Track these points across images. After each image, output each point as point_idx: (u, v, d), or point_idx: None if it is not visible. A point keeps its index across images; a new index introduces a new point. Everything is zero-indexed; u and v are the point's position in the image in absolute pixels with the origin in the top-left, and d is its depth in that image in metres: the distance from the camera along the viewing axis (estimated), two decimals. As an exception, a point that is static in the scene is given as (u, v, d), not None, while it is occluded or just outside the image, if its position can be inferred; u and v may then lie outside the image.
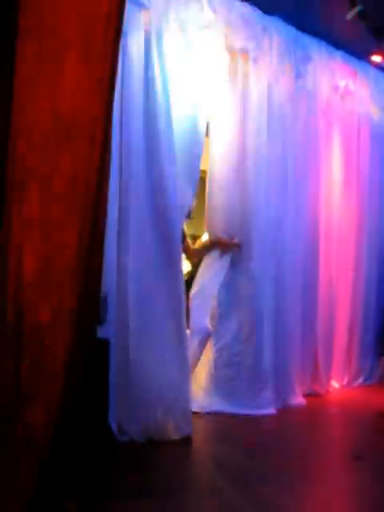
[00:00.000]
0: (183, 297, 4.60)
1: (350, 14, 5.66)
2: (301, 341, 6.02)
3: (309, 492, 3.67)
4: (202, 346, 5.28)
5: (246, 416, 5.13)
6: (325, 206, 6.40)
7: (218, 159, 5.30)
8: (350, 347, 6.76)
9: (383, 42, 6.29)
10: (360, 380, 6.86)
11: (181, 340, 4.54)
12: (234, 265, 5.45)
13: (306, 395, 5.94)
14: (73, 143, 3.13)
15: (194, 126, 4.97)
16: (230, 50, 5.31)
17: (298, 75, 6.05)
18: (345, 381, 6.71)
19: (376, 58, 6.50)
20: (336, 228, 6.57)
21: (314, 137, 6.28)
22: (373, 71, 6.95)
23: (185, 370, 4.52)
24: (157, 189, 4.55)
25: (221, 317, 5.39)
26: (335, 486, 3.75)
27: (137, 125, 4.49)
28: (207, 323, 5.32)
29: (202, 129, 5.07)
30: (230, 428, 4.87)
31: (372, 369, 6.96)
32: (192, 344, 5.06)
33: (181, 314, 4.57)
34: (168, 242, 4.57)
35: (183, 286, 4.62)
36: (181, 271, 4.67)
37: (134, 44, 4.46)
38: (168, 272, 4.55)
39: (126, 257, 4.44)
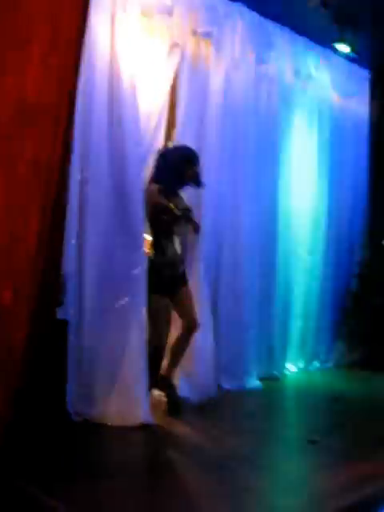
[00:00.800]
0: (144, 281, 4.61)
1: (311, 2, 5.70)
2: (257, 323, 6.07)
3: (265, 474, 3.75)
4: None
5: (202, 399, 5.15)
6: (283, 191, 6.45)
7: (180, 143, 5.30)
8: (305, 331, 6.84)
9: (345, 29, 6.35)
10: (316, 363, 6.94)
11: (139, 324, 4.56)
12: (191, 249, 5.42)
13: (262, 378, 5.98)
14: (37, 128, 3.15)
15: (157, 110, 4.98)
16: (193, 35, 5.29)
17: (260, 61, 6.07)
18: (301, 364, 6.79)
19: (340, 46, 6.58)
20: (294, 213, 6.63)
21: (275, 122, 6.31)
22: (335, 58, 6.98)
23: (142, 354, 4.54)
24: (119, 174, 4.55)
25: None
26: (290, 469, 3.83)
27: (100, 108, 4.47)
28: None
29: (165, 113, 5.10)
30: (185, 412, 4.91)
31: (328, 352, 7.06)
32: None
33: (141, 298, 4.59)
34: (129, 226, 4.57)
35: (145, 271, 4.62)
36: (143, 255, 4.65)
37: (98, 28, 4.42)
38: (129, 256, 4.55)
39: (86, 240, 4.44)
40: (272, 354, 6.31)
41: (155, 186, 4.88)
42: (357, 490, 3.44)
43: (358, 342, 7.12)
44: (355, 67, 7.35)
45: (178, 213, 4.89)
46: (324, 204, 7.00)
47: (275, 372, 6.29)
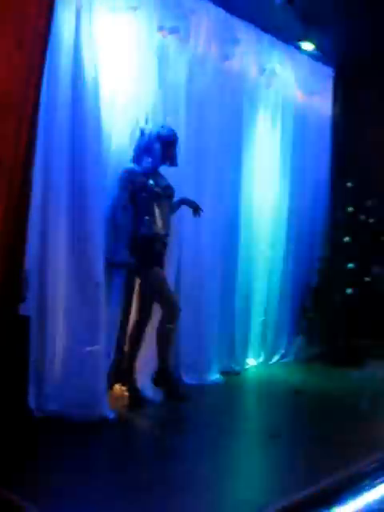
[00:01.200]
0: (102, 275, 4.61)
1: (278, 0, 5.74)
2: (218, 318, 6.10)
3: (223, 468, 3.81)
4: None
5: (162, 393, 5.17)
6: (246, 187, 6.50)
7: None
8: (266, 325, 6.90)
9: (310, 27, 6.41)
10: (276, 357, 7.01)
11: (97, 319, 4.57)
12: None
13: (223, 372, 6.03)
14: (1, 128, 3.14)
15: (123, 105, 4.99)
16: (160, 31, 5.28)
17: (225, 57, 6.10)
18: (261, 358, 6.85)
19: (305, 44, 6.65)
20: (256, 209, 6.68)
21: (238, 118, 6.36)
22: (299, 55, 7.06)
23: (102, 349, 4.56)
24: (80, 173, 4.56)
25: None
26: (252, 462, 3.90)
27: (63, 106, 4.46)
28: None
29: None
30: (146, 406, 4.95)
31: (288, 347, 7.13)
32: None
33: (98, 294, 4.59)
34: (90, 225, 4.58)
35: (101, 263, 4.63)
36: (101, 247, 4.67)
37: (64, 24, 4.40)
38: (90, 256, 4.57)
39: (48, 238, 4.45)
40: (233, 349, 6.37)
41: (134, 165, 4.98)
42: (311, 485, 3.52)
43: (317, 336, 7.21)
44: (319, 65, 7.44)
45: (157, 190, 4.97)
46: (286, 200, 7.06)
47: (236, 366, 6.34)
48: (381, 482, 3.78)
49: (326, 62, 7.48)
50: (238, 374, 6.27)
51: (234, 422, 4.81)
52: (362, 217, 7.19)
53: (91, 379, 4.48)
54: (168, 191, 5.10)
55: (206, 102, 5.87)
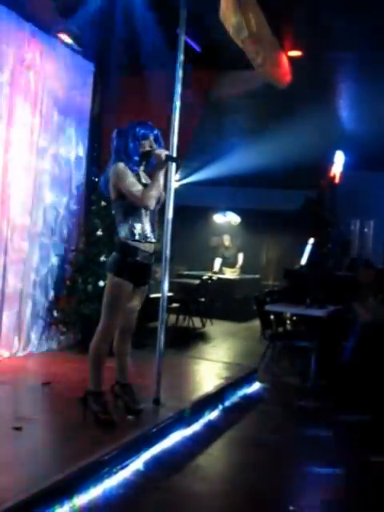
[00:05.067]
0: None
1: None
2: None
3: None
4: None
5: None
6: (2, 178, 6.41)
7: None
8: (19, 316, 6.85)
9: (69, 20, 6.46)
10: (30, 349, 6.99)
11: None
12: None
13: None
14: None
15: None
16: None
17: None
18: (14, 349, 6.78)
19: (63, 36, 6.67)
20: (11, 201, 6.61)
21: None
22: (60, 48, 7.07)
23: None
24: None
25: None
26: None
27: None
28: None
29: None
30: None
31: (41, 338, 7.16)
32: None
33: None
34: None
35: None
36: None
37: None
38: None
39: None
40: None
41: (117, 166, 4.53)
42: (58, 472, 3.62)
43: (72, 326, 7.32)
44: (80, 59, 7.50)
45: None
46: (42, 194, 7.08)
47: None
48: (120, 469, 4.02)
49: (86, 57, 7.56)
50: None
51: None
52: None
53: None
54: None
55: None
